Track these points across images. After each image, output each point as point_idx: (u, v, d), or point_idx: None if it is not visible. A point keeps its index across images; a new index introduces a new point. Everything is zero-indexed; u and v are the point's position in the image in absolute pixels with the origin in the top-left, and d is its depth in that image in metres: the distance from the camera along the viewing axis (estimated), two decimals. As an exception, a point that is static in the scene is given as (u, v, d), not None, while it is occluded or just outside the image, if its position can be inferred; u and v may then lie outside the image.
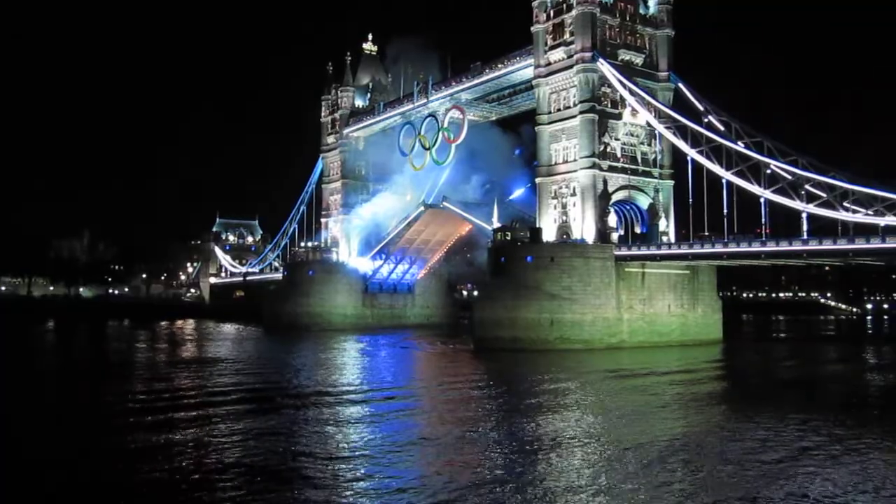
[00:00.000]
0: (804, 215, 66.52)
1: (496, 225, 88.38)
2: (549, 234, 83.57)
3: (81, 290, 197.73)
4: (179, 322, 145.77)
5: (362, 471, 26.24)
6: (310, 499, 22.67)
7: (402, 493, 23.16)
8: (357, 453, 29.07)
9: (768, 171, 68.84)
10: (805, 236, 66.52)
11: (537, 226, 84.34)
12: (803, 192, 67.04)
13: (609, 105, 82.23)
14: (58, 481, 24.92)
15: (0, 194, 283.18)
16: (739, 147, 71.52)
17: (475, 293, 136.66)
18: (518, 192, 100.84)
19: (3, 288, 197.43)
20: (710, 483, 24.41)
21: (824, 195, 65.43)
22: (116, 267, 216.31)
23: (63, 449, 29.78)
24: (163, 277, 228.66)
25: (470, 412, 38.85)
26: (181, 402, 41.18)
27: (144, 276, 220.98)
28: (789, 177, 67.98)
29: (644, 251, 78.87)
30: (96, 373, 59.33)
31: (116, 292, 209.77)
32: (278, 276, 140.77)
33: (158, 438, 30.82)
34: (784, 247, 67.37)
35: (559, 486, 24.17)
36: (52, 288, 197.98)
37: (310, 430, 33.13)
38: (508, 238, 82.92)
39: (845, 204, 64.42)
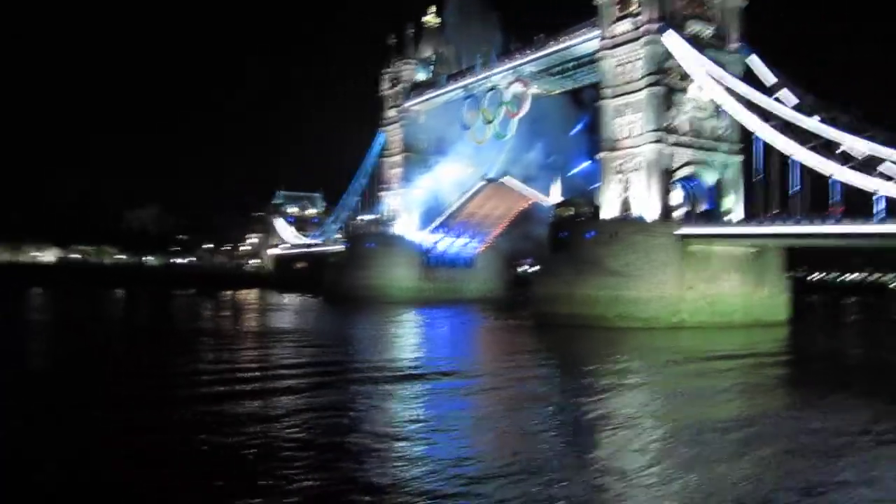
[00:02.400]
0: (879, 194, 63.76)
1: (557, 200, 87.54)
2: (611, 209, 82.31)
3: (149, 258, 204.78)
4: (243, 291, 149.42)
5: (419, 448, 26.50)
6: (366, 472, 23.04)
7: (458, 465, 23.31)
8: (416, 428, 29.42)
9: (842, 148, 66.17)
10: (882, 216, 63.76)
11: (599, 201, 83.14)
12: (880, 170, 64.21)
13: (676, 78, 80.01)
14: (125, 439, 25.89)
15: (76, 171, 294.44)
16: (813, 122, 68.81)
17: (533, 269, 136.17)
18: (580, 167, 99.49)
19: (78, 256, 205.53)
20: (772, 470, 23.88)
21: (903, 174, 62.62)
22: (182, 237, 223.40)
23: (130, 414, 30.85)
24: (226, 248, 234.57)
25: (531, 388, 38.81)
26: (245, 374, 42.09)
27: (209, 245, 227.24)
28: (865, 151, 65.09)
29: (709, 230, 76.83)
30: (166, 341, 61.35)
31: (181, 261, 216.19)
32: (339, 247, 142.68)
33: (221, 408, 31.67)
34: (857, 227, 64.79)
35: (615, 467, 24.03)
36: (121, 257, 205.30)
37: (370, 405, 33.58)
38: (570, 213, 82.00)
39: (926, 183, 61.56)
